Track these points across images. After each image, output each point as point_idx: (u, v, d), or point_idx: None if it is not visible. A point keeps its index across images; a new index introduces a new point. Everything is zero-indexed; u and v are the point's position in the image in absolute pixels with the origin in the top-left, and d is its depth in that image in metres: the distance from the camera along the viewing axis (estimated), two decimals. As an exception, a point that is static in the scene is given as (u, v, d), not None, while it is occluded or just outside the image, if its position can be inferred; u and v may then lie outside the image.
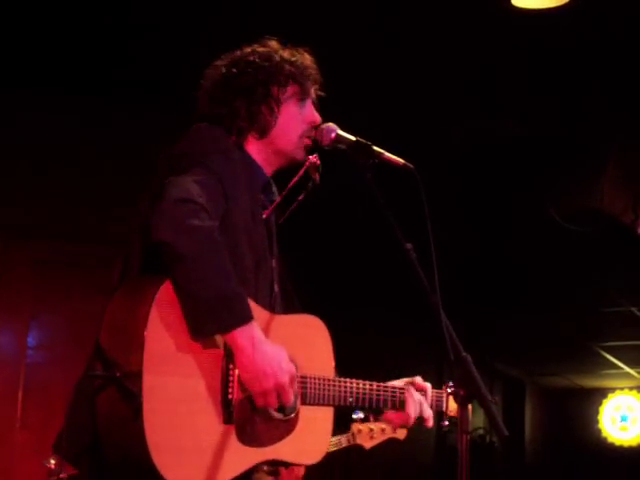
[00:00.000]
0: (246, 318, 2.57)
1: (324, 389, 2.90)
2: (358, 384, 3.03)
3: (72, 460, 2.67)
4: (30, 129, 6.05)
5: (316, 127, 3.02)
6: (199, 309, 2.53)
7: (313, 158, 3.03)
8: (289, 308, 3.05)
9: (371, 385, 3.08)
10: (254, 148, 2.98)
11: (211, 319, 2.53)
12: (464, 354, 2.54)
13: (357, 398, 3.02)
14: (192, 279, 2.52)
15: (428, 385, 3.27)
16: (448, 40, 5.56)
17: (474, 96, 6.19)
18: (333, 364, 3.00)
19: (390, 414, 3.20)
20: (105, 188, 6.17)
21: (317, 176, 3.03)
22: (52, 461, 4.17)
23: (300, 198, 3.03)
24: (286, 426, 2.79)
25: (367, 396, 3.06)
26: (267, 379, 2.60)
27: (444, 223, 3.83)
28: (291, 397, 2.68)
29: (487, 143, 6.63)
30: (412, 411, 3.16)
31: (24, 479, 5.60)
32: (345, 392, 2.98)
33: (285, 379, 2.63)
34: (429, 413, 3.23)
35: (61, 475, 4.14)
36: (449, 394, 3.27)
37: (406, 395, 3.17)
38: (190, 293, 2.53)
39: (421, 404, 3.20)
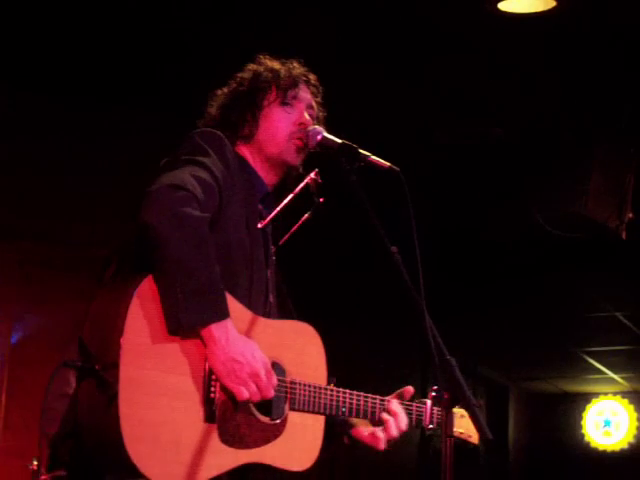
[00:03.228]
0: (223, 315, 2.57)
1: (314, 396, 2.87)
2: (352, 395, 2.99)
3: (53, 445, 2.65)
4: (16, 129, 6.02)
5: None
6: (177, 299, 2.50)
7: (314, 175, 3.02)
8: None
9: (366, 397, 3.04)
10: (248, 154, 3.02)
11: (188, 311, 2.51)
12: (448, 357, 2.53)
13: (350, 409, 2.98)
14: (173, 268, 2.51)
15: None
16: (434, 44, 5.57)
17: (459, 100, 6.20)
18: (325, 374, 2.96)
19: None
20: (93, 190, 6.15)
21: (317, 195, 3.00)
22: (35, 462, 4.16)
23: (302, 220, 3.00)
24: (272, 430, 2.76)
25: (361, 408, 3.02)
26: (241, 367, 2.58)
27: (428, 226, 3.84)
28: (270, 388, 2.66)
29: (472, 147, 6.64)
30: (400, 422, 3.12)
31: (7, 481, 5.59)
32: (338, 402, 2.94)
33: (259, 366, 2.61)
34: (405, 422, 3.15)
35: (43, 477, 4.13)
36: (432, 405, 3.20)
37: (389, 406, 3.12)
38: (170, 282, 2.51)
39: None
